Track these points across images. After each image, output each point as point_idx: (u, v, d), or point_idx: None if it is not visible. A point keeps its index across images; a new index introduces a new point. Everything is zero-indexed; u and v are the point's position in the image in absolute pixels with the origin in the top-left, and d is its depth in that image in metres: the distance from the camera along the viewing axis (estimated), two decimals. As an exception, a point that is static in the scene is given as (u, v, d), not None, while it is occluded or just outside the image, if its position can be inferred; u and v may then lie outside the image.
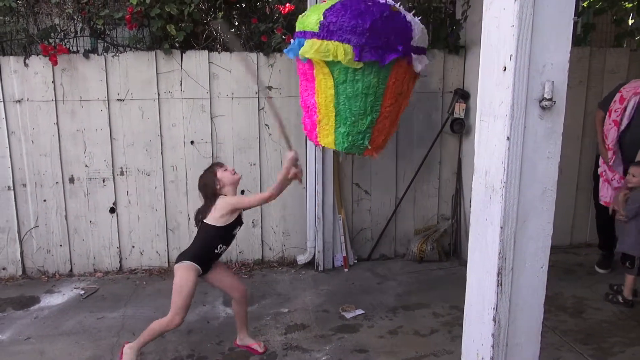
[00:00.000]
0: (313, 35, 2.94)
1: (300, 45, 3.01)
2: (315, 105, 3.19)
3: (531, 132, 1.49)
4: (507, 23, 1.45)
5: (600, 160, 4.02)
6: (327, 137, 3.23)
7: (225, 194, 2.84)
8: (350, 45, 2.84)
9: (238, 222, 2.89)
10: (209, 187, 2.85)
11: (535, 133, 1.50)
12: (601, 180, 4.01)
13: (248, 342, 3.05)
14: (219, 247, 2.84)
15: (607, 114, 3.89)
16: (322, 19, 2.90)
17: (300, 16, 3.15)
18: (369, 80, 2.97)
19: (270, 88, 4.12)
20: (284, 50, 3.26)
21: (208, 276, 2.89)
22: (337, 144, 3.20)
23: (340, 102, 3.07)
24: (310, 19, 2.99)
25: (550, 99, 1.46)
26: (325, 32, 2.89)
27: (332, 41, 2.86)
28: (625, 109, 3.75)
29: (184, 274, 2.74)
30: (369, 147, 3.21)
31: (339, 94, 3.03)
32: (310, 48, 2.92)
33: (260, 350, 3.03)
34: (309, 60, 3.02)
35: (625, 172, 3.75)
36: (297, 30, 3.15)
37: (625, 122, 3.77)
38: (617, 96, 3.83)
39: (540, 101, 1.47)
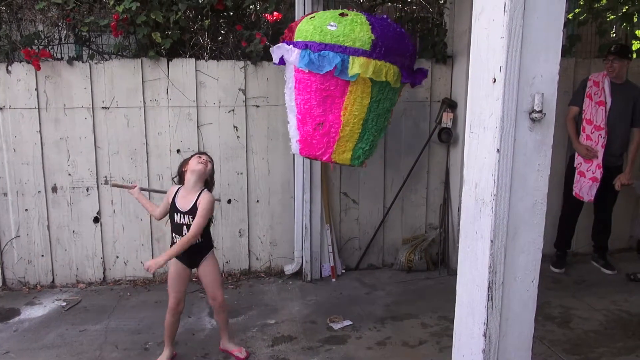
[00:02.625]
0: (363, 53, 2.88)
1: (345, 62, 2.88)
2: (339, 123, 3.08)
3: (521, 144, 1.48)
4: (496, 34, 1.44)
5: (576, 154, 4.19)
6: (343, 153, 3.20)
7: (188, 179, 2.91)
8: (397, 66, 2.92)
9: (173, 208, 2.89)
10: (178, 168, 3.03)
11: (525, 145, 1.49)
12: (576, 174, 4.17)
13: (229, 348, 3.10)
14: (173, 236, 2.91)
15: (587, 98, 4.11)
16: (373, 37, 2.87)
17: (342, 30, 2.89)
18: (393, 99, 3.13)
19: (243, 91, 4.07)
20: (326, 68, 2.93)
21: (197, 272, 3.00)
22: (353, 159, 3.23)
23: (370, 119, 3.12)
24: (358, 35, 2.87)
25: (540, 111, 1.45)
26: (379, 52, 2.90)
27: (384, 62, 2.89)
28: (603, 89, 4.06)
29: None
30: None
31: (371, 112, 3.08)
32: (366, 68, 2.87)
33: (242, 356, 3.05)
34: (342, 79, 2.96)
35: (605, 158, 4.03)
36: (338, 44, 2.90)
37: (609, 99, 4.05)
38: (590, 83, 4.14)
39: (530, 113, 1.46)
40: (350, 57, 2.90)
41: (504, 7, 1.40)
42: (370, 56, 2.89)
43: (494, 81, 1.46)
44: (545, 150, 1.51)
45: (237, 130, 4.13)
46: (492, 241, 1.49)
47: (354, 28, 2.91)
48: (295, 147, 3.32)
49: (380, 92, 3.01)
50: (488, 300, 1.51)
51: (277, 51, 3.18)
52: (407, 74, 3.06)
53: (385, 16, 3.20)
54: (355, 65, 2.87)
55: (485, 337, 1.53)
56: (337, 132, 3.10)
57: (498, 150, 1.46)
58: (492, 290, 1.51)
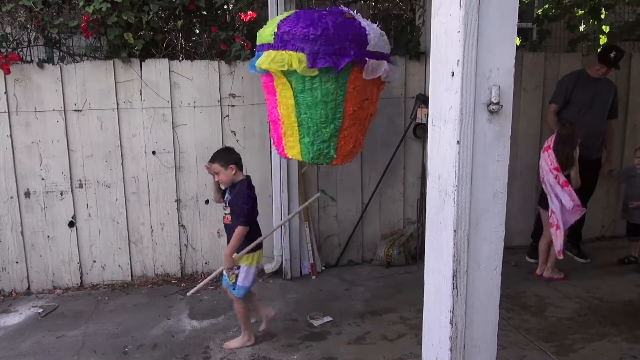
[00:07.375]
0: (269, 47, 2.95)
1: (258, 58, 3.02)
2: (279, 118, 3.18)
3: (480, 135, 1.51)
4: (453, 29, 1.47)
5: None
6: (293, 148, 3.21)
7: None
8: (303, 53, 2.86)
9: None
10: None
11: (485, 137, 1.52)
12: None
13: (553, 276, 4.02)
14: None
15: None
16: (276, 30, 2.93)
17: (259, 31, 3.16)
18: (327, 88, 2.99)
19: (234, 96, 4.10)
20: (248, 67, 3.26)
21: None
22: (303, 154, 3.19)
23: (302, 111, 3.07)
24: (265, 31, 3.04)
25: (498, 103, 1.49)
26: (279, 42, 2.92)
27: (286, 51, 2.88)
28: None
29: None
30: (335, 156, 3.20)
31: (299, 104, 3.05)
32: (265, 59, 2.94)
33: (562, 276, 4.03)
34: (269, 73, 3.04)
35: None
36: (257, 44, 3.16)
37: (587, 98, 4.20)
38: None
39: (488, 105, 1.49)
40: (262, 52, 3.02)
41: (460, 2, 1.43)
42: (274, 48, 2.99)
43: (453, 75, 1.49)
44: (504, 141, 1.54)
45: (213, 130, 4.12)
46: (455, 231, 1.52)
47: (267, 26, 3.07)
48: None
49: (301, 82, 2.99)
50: (453, 288, 1.54)
51: None
52: (314, 59, 2.91)
53: (333, 8, 3.25)
54: (260, 59, 2.99)
55: (452, 325, 1.56)
56: (281, 126, 3.20)
57: (458, 142, 1.49)
58: (456, 279, 1.54)
